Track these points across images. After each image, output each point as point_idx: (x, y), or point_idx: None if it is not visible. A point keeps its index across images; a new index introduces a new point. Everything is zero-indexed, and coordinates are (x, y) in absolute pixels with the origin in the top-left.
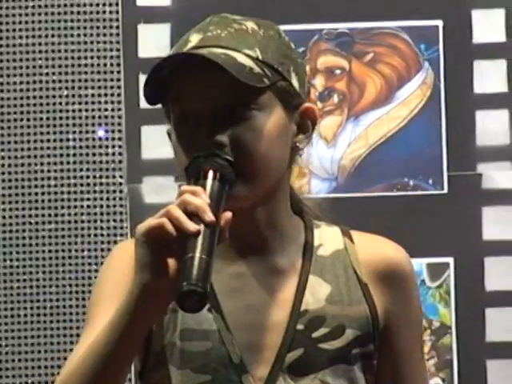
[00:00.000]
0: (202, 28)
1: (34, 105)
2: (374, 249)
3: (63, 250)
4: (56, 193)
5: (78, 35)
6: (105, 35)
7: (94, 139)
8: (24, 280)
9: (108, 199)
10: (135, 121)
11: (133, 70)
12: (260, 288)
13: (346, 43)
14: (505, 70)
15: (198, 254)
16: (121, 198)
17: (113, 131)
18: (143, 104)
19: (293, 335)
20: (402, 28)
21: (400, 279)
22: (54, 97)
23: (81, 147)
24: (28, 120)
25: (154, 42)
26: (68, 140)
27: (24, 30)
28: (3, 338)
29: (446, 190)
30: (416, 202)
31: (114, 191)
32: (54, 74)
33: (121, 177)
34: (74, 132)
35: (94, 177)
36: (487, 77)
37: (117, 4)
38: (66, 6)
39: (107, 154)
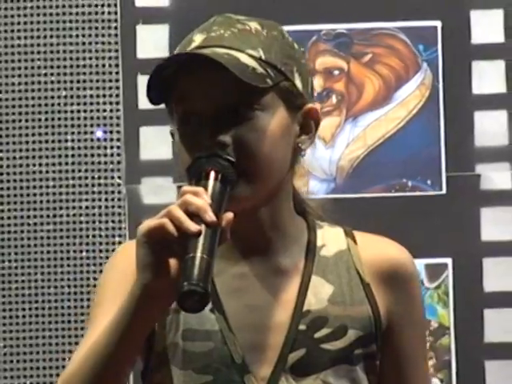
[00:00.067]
0: (205, 28)
1: (33, 105)
2: (377, 249)
3: (61, 251)
4: (54, 193)
5: (77, 36)
6: (103, 36)
7: (92, 140)
8: (22, 281)
9: (106, 200)
10: (134, 121)
11: (131, 71)
12: (262, 288)
13: (345, 44)
14: (503, 70)
15: (198, 254)
16: (119, 199)
17: (111, 132)
18: (142, 105)
19: (295, 335)
20: (400, 29)
21: (403, 280)
22: (52, 97)
23: (79, 148)
24: (26, 121)
25: (153, 42)
26: (66, 141)
27: (22, 31)
28: (1, 338)
29: (444, 191)
30: (414, 202)
31: (113, 192)
32: (52, 74)
33: (119, 177)
34: (73, 133)
35: (93, 177)
36: (486, 77)
37: (115, 5)
38: (64, 6)
39: (106, 155)
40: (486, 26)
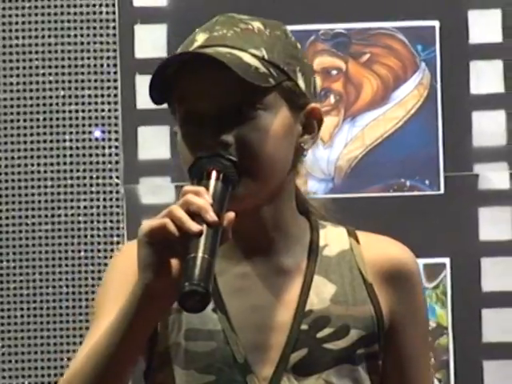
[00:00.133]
0: (208, 27)
1: (31, 105)
2: (380, 249)
3: (60, 251)
4: (53, 193)
5: (75, 36)
6: (101, 36)
7: (90, 140)
8: (20, 281)
9: (105, 200)
10: (132, 121)
11: (129, 71)
12: (265, 288)
13: (343, 44)
14: (501, 70)
15: (200, 254)
16: (117, 199)
17: (109, 132)
18: (140, 104)
19: (297, 335)
20: (398, 28)
21: (406, 279)
22: (50, 97)
23: (77, 148)
24: (24, 120)
25: (151, 42)
26: (64, 140)
27: (20, 31)
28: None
29: (442, 191)
30: (412, 202)
31: (111, 192)
32: (50, 74)
33: (117, 177)
34: (71, 132)
35: (91, 177)
36: (484, 77)
37: (113, 5)
38: (62, 6)
39: (104, 155)
40: (483, 26)
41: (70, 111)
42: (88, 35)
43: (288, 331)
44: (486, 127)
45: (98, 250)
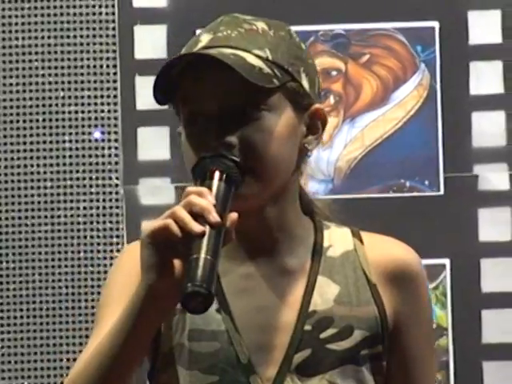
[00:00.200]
0: (212, 28)
1: (30, 106)
2: (384, 250)
3: (59, 252)
4: (52, 194)
5: (75, 36)
6: (101, 36)
7: (90, 141)
8: (20, 281)
9: (104, 200)
10: (131, 122)
11: (129, 72)
12: (269, 289)
13: (342, 44)
14: (501, 71)
15: (202, 255)
16: (117, 200)
17: (109, 133)
18: (139, 105)
19: (301, 336)
20: (398, 29)
21: (410, 280)
22: (50, 98)
23: (77, 149)
24: (24, 121)
25: (151, 43)
26: (64, 141)
27: (20, 32)
28: None
29: (442, 192)
30: (412, 203)
31: (110, 193)
32: (50, 75)
33: (117, 178)
34: (70, 133)
35: (90, 178)
36: (483, 78)
37: (113, 5)
38: (62, 7)
39: (103, 156)
40: (483, 27)
41: (70, 112)
42: (88, 36)
43: (291, 332)
44: (486, 128)
45: (98, 251)
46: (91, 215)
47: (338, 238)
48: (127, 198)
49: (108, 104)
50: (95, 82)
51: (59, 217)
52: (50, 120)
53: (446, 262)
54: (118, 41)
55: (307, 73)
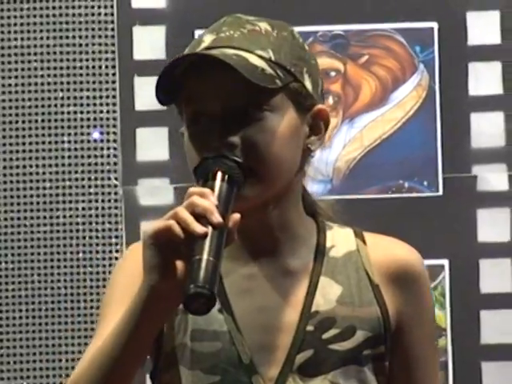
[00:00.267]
0: (215, 28)
1: (29, 107)
2: (386, 250)
3: (58, 252)
4: (51, 195)
5: (74, 37)
6: (100, 37)
7: (89, 141)
8: (19, 282)
9: (103, 201)
10: (130, 123)
11: (128, 72)
12: (271, 289)
13: (341, 45)
14: (500, 71)
15: (205, 256)
16: (116, 200)
17: (108, 133)
18: (138, 106)
19: (303, 336)
20: (397, 30)
21: (413, 280)
22: (49, 99)
23: (76, 149)
24: (23, 122)
25: (150, 44)
26: (63, 142)
27: (19, 32)
28: None
29: (440, 192)
30: (411, 204)
31: (109, 193)
32: (49, 76)
33: (116, 179)
34: (69, 134)
35: (89, 179)
36: (482, 79)
37: (112, 6)
38: (61, 8)
39: (102, 156)
40: (482, 28)
41: (69, 112)
42: (87, 37)
43: (294, 332)
44: (485, 128)
45: (97, 252)
46: (90, 216)
47: (340, 239)
48: (126, 198)
49: (107, 104)
50: (94, 82)
51: (58, 217)
52: (49, 120)
53: (445, 262)
54: (116, 41)
55: (310, 73)
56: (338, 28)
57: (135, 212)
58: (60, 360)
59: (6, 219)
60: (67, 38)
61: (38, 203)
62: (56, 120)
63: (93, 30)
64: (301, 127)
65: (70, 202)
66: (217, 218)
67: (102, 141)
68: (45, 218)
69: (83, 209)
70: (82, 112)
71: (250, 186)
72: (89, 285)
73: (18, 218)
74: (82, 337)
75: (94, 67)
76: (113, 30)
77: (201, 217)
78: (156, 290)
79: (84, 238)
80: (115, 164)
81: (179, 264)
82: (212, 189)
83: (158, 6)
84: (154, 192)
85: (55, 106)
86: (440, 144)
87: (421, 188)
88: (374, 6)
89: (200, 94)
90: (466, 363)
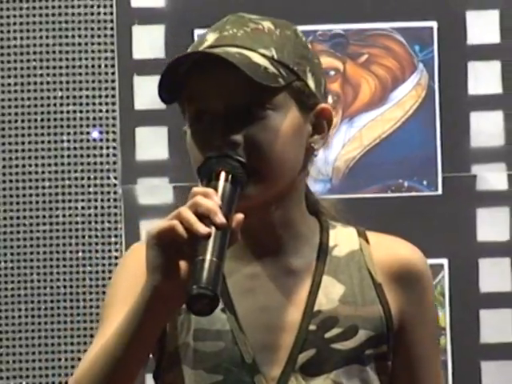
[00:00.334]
0: (218, 27)
1: (29, 106)
2: (389, 249)
3: (57, 251)
4: (50, 194)
5: (73, 36)
6: (99, 36)
7: (88, 140)
8: (18, 281)
9: (102, 200)
10: (130, 122)
11: (127, 72)
12: (274, 289)
13: (341, 44)
14: (499, 71)
15: (208, 257)
16: (115, 199)
17: (107, 132)
18: (138, 105)
19: (305, 336)
20: (396, 29)
21: (416, 280)
22: (48, 98)
23: (75, 148)
24: (22, 121)
25: (149, 43)
26: (62, 141)
27: (18, 31)
28: None
29: (440, 192)
30: (410, 203)
31: (109, 192)
32: (48, 75)
33: (115, 178)
34: (69, 133)
35: (89, 178)
36: (482, 78)
37: (111, 5)
38: (60, 7)
39: (101, 155)
40: (481, 27)
41: (68, 112)
42: (86, 36)
43: (296, 331)
44: (484, 128)
45: (96, 251)
46: (89, 215)
47: (343, 238)
48: (125, 197)
49: (106, 104)
50: (93, 81)
51: (57, 216)
52: (49, 120)
53: (444, 261)
54: (116, 41)
55: (313, 72)
56: (338, 27)
57: (134, 211)
58: (59, 359)
59: (5, 218)
60: (67, 37)
61: (37, 202)
62: (55, 119)
63: (92, 29)
64: (304, 126)
65: (70, 201)
66: (220, 218)
67: (101, 140)
68: (44, 217)
69: (82, 208)
70: (81, 111)
71: (252, 185)
72: (88, 284)
73: (18, 218)
74: (81, 336)
75: (93, 66)
76: (112, 29)
77: (204, 217)
78: (159, 290)
79: (83, 237)
80: (114, 163)
81: (183, 264)
82: (215, 189)
83: (158, 6)
84: (154, 191)
85: (54, 105)
86: (439, 143)
87: (420, 187)
88: (374, 5)
89: (203, 93)
90: (465, 362)
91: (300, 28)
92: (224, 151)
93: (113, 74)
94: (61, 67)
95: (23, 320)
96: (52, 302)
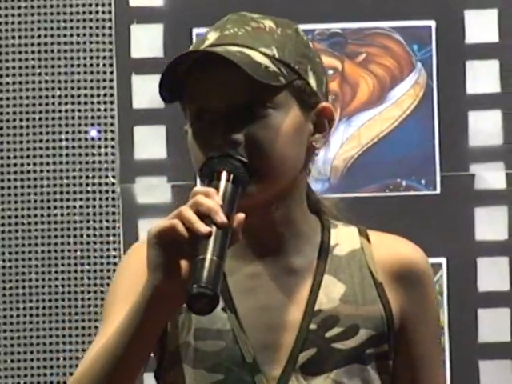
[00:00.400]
0: (219, 26)
1: (27, 105)
2: (391, 248)
3: (55, 251)
4: (49, 193)
5: (71, 35)
6: (97, 35)
7: (86, 139)
8: (16, 280)
9: (100, 199)
10: (128, 121)
11: (125, 71)
12: (275, 288)
13: (339, 43)
14: (497, 70)
15: (208, 256)
16: (113, 198)
17: (105, 131)
18: (136, 104)
19: (306, 335)
20: (394, 28)
21: (417, 279)
22: (46, 97)
23: (73, 147)
24: (21, 120)
25: (147, 42)
26: (61, 140)
27: (17, 30)
28: None
29: (438, 191)
30: (408, 202)
31: (107, 191)
32: (46, 74)
33: (113, 177)
34: (67, 132)
35: (87, 177)
36: (480, 77)
37: (109, 4)
38: (58, 6)
39: (100, 154)
40: (480, 26)
41: (66, 111)
42: (84, 35)
43: (297, 331)
44: (482, 127)
45: (94, 250)
46: (87, 214)
47: (344, 237)
48: (123, 196)
49: (104, 103)
50: (91, 80)
51: (55, 215)
52: (47, 119)
53: (443, 260)
54: (114, 40)
55: (314, 71)
56: (336, 26)
57: (133, 210)
58: (57, 358)
59: (3, 217)
60: (65, 36)
61: (35, 201)
62: (53, 118)
63: (90, 28)
64: (305, 125)
65: (68, 200)
66: (221, 217)
67: (99, 139)
68: (42, 216)
69: (81, 207)
70: (79, 110)
71: (254, 184)
72: (86, 283)
73: (16, 216)
74: (79, 335)
75: (91, 65)
76: (110, 28)
77: (205, 216)
78: (160, 289)
79: (81, 236)
80: (113, 162)
81: (183, 263)
82: (217, 188)
83: (156, 5)
84: (152, 190)
85: (53, 104)
86: (437, 142)
87: (418, 186)
88: (372, 4)
89: (204, 92)
90: (463, 361)
91: None
92: (225, 150)
93: (111, 73)
94: (59, 66)
95: (21, 319)
96: (50, 300)
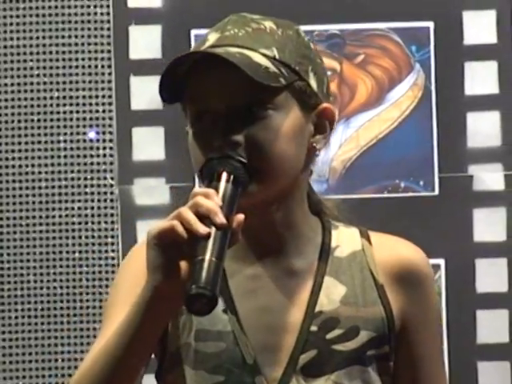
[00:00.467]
0: (220, 27)
1: (25, 106)
2: (392, 250)
3: (54, 252)
4: (47, 194)
5: (69, 37)
6: (96, 37)
7: (85, 141)
8: (15, 282)
9: (99, 201)
10: (126, 122)
11: (124, 72)
12: (276, 290)
13: (337, 45)
14: (496, 71)
15: (207, 257)
16: (112, 200)
17: (104, 133)
18: (134, 105)
19: (306, 336)
20: (393, 29)
21: (417, 280)
22: (45, 98)
23: (72, 149)
24: (19, 121)
25: (145, 43)
26: (59, 142)
27: (15, 32)
28: None
29: (436, 192)
30: (407, 203)
31: (105, 193)
32: (45, 75)
33: (112, 178)
34: (65, 134)
35: (85, 178)
36: (478, 78)
37: (108, 6)
38: (57, 7)
39: (98, 156)
40: (478, 27)
41: (65, 112)
42: (82, 36)
43: (297, 332)
44: (481, 128)
45: (93, 251)
46: (86, 215)
47: (345, 239)
48: (122, 198)
49: (103, 104)
50: (90, 82)
51: (54, 217)
52: (45, 120)
53: (441, 262)
54: (112, 41)
55: (315, 72)
56: (334, 27)
57: (131, 211)
58: (56, 360)
59: (1, 219)
60: (63, 37)
61: (33, 203)
62: (52, 119)
63: (89, 29)
64: (305, 126)
65: (66, 201)
66: (220, 218)
67: (97, 140)
68: (41, 217)
69: (79, 208)
70: (77, 112)
71: (253, 185)
72: (85, 284)
73: (14, 218)
74: (77, 337)
75: (89, 67)
76: (109, 29)
77: (204, 217)
78: (159, 290)
79: (80, 237)
80: (111, 163)
81: (183, 264)
82: (216, 189)
83: (154, 6)
84: (150, 191)
85: (51, 105)
86: (436, 144)
87: (417, 188)
88: (370, 5)
89: (204, 93)
90: (461, 363)
91: None
92: (225, 151)
93: (109, 74)
94: (57, 67)
95: (19, 320)
96: (48, 302)
